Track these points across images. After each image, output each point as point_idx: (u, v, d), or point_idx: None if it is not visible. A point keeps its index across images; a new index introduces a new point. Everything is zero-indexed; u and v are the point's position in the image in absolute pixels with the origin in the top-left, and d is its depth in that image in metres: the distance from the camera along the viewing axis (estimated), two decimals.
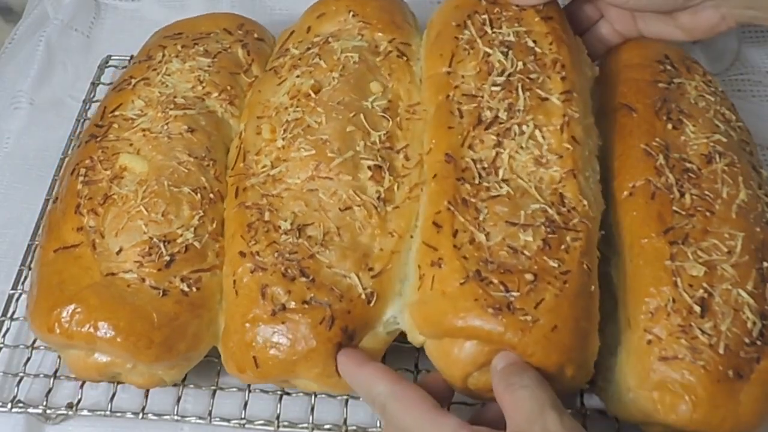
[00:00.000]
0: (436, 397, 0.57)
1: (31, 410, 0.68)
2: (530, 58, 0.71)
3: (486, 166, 0.65)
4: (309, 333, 0.61)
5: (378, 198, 0.67)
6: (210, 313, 0.66)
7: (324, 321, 0.61)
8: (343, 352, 0.61)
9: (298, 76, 0.75)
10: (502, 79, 0.69)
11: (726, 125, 0.71)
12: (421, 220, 0.66)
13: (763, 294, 0.61)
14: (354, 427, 0.66)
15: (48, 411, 0.68)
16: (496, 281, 0.59)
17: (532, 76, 0.70)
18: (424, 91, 0.74)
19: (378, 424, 0.66)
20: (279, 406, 0.68)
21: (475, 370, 0.60)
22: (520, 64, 0.70)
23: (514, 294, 0.58)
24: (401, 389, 0.57)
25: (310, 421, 0.66)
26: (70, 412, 0.69)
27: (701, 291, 0.60)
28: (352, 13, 0.80)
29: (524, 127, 0.66)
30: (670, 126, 0.69)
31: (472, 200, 0.63)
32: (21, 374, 0.70)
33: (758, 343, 0.60)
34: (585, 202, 0.64)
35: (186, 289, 0.65)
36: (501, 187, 0.64)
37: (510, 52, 0.71)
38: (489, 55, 0.71)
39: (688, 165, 0.67)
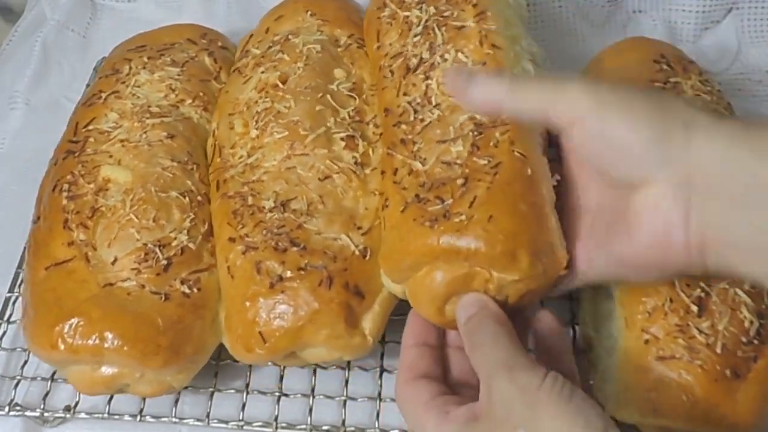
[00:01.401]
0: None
1: (28, 413, 0.68)
2: (442, 1, 0.72)
3: (420, 101, 0.66)
4: (309, 296, 0.62)
5: (355, 163, 0.68)
6: (212, 312, 0.66)
7: (322, 283, 0.62)
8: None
9: (263, 72, 0.76)
10: (420, 28, 0.71)
11: None
12: None
13: (760, 293, 0.61)
14: (352, 428, 0.66)
15: (46, 414, 0.68)
16: (432, 198, 0.59)
17: (446, 14, 0.70)
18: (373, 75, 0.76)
19: (376, 425, 0.66)
20: (277, 407, 0.68)
21: (444, 302, 0.60)
22: (432, 9, 0.71)
23: (449, 202, 0.58)
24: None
25: (309, 423, 0.66)
26: (68, 415, 0.69)
27: (698, 290, 0.60)
28: (309, 13, 0.82)
29: (446, 56, 0.67)
30: None
31: (409, 137, 0.64)
32: (18, 377, 0.70)
33: (755, 342, 0.60)
34: None
35: (187, 291, 0.65)
36: (433, 113, 0.64)
37: (423, 5, 0.72)
38: (408, 16, 0.73)
39: None
